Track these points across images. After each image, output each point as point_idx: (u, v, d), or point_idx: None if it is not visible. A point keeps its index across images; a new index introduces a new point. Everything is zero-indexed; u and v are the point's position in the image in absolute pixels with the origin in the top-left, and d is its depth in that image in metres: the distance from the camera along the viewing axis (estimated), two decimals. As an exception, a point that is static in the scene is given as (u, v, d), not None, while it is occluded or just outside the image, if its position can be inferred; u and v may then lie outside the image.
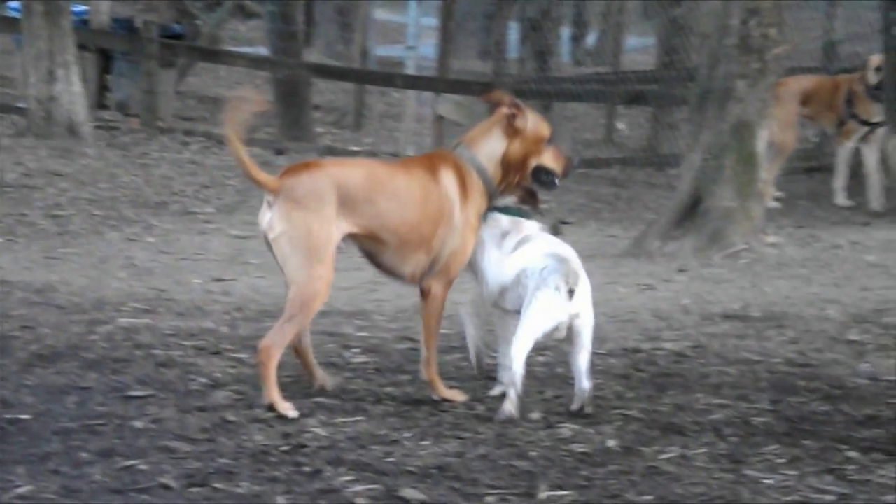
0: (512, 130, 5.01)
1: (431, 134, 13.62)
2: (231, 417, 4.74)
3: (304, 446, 4.42)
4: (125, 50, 14.06)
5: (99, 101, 14.22)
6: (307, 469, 4.19)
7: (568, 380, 5.37)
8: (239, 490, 3.98)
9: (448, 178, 4.96)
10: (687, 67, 12.41)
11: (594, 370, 5.48)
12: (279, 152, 13.00)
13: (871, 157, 10.49)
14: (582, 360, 4.86)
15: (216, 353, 5.72)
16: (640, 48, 18.64)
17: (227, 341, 5.98)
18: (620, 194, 11.77)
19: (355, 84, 15.20)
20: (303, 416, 4.76)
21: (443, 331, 6.19)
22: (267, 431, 4.58)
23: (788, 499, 3.98)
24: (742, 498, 3.98)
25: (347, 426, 4.66)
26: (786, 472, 4.24)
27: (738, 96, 8.80)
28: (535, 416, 4.84)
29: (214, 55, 15.32)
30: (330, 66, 16.10)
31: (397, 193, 4.89)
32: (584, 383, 4.86)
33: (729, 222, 8.80)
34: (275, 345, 4.80)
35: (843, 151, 10.60)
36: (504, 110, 5.03)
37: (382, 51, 17.61)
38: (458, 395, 5.02)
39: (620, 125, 15.27)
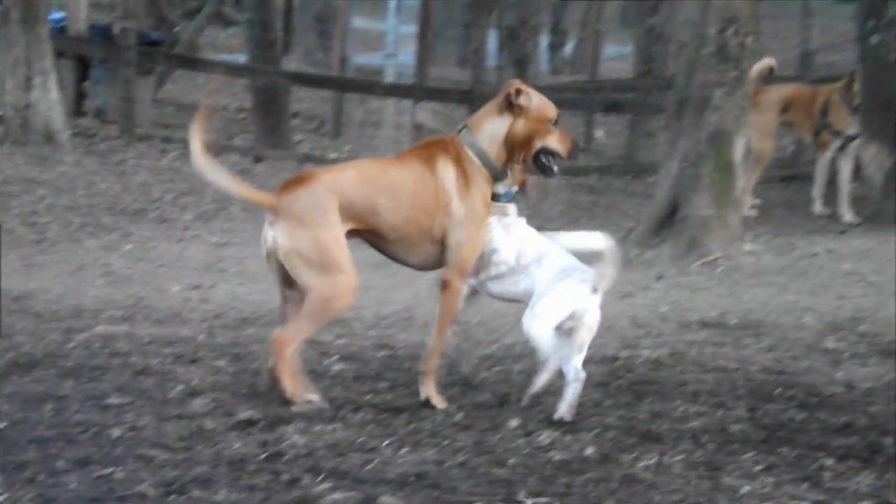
0: (514, 108, 5.01)
1: (410, 141, 13.63)
2: (209, 425, 4.73)
3: (283, 454, 4.41)
4: (103, 57, 14.02)
5: (76, 108, 14.18)
6: (285, 477, 4.18)
7: (546, 388, 5.38)
8: (217, 498, 3.97)
9: (445, 169, 4.97)
10: (664, 76, 12.47)
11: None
12: (257, 160, 12.98)
13: (845, 169, 10.52)
14: (577, 361, 4.89)
15: (194, 361, 5.71)
16: (617, 57, 18.71)
17: (205, 349, 5.97)
18: (598, 202, 11.81)
19: (334, 92, 15.21)
20: (280, 423, 4.75)
21: (419, 339, 6.21)
22: (245, 439, 4.57)
23: (765, 506, 4.00)
24: (719, 505, 3.99)
25: (326, 434, 4.66)
26: (763, 479, 4.26)
27: (715, 105, 8.85)
28: (514, 423, 4.84)
29: (192, 63, 15.29)
30: (309, 74, 16.10)
31: (391, 189, 4.92)
32: (571, 388, 4.88)
33: (706, 230, 8.84)
34: (288, 338, 4.82)
35: (821, 161, 10.63)
36: (509, 89, 5.03)
37: (361, 59, 17.63)
38: (440, 403, 5.02)
39: (598, 133, 15.31)
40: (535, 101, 5.06)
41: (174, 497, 3.97)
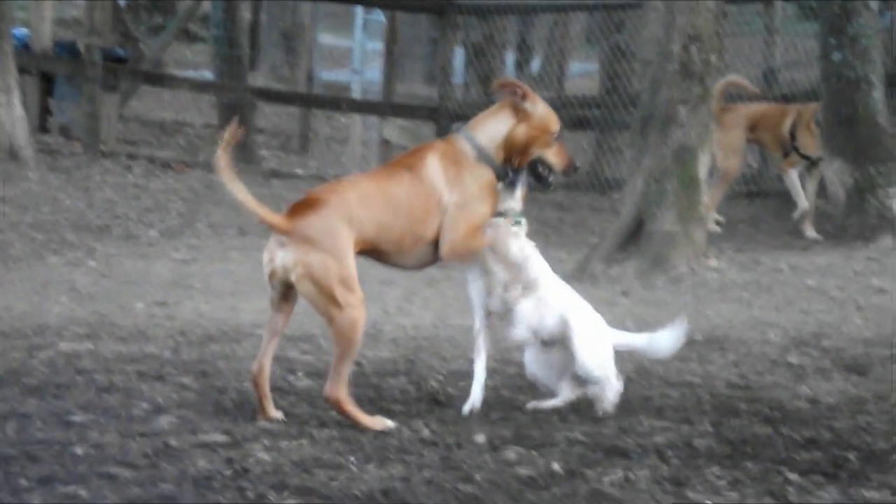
0: (519, 112, 5.04)
1: (377, 158, 13.64)
2: (174, 443, 4.70)
3: (248, 471, 4.39)
4: (67, 73, 13.95)
5: (41, 124, 14.09)
6: (251, 494, 4.17)
7: (513, 403, 5.39)
8: (181, 516, 3.95)
9: (432, 167, 5.01)
10: (629, 93, 12.54)
11: (537, 394, 5.50)
12: (223, 176, 12.94)
13: (810, 187, 10.60)
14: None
15: (159, 378, 5.68)
16: (583, 74, 18.80)
17: (170, 366, 5.94)
18: (565, 218, 11.84)
19: (300, 108, 15.20)
20: (246, 440, 4.74)
21: (386, 355, 6.21)
22: (210, 457, 4.55)
23: (730, 520, 4.02)
24: (684, 520, 4.01)
25: (292, 451, 4.64)
26: (727, 494, 4.28)
27: (679, 122, 8.90)
28: (480, 439, 4.85)
29: (158, 79, 15.24)
30: (275, 90, 16.08)
31: (389, 204, 4.98)
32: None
33: (671, 246, 8.88)
34: (338, 388, 4.92)
35: (788, 179, 10.63)
36: (511, 96, 5.06)
37: (328, 75, 17.63)
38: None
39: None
40: (540, 110, 5.11)
41: (138, 515, 3.94)
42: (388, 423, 4.94)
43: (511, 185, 5.15)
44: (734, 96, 11.25)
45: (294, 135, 15.54)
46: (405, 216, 4.99)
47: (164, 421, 4.97)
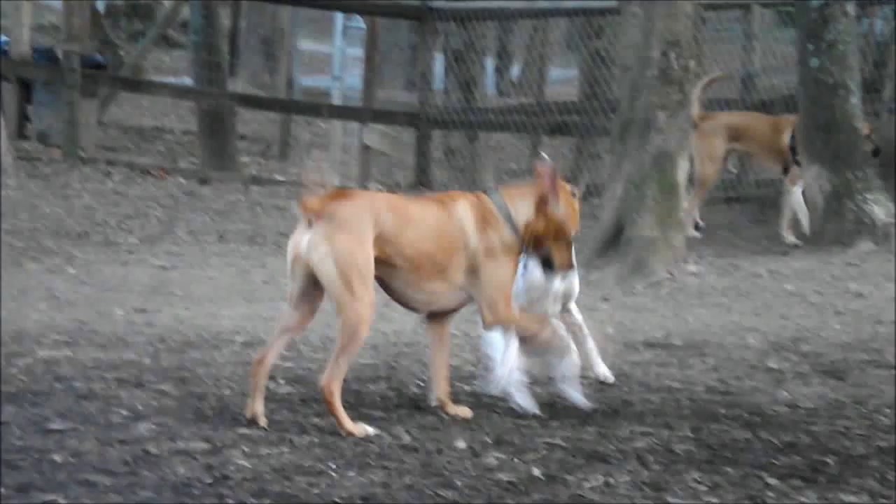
0: (545, 206, 5.22)
1: (358, 164, 13.63)
2: (153, 450, 4.68)
3: (228, 478, 4.38)
4: (46, 80, 13.89)
5: (19, 131, 14.02)
6: (230, 501, 4.16)
7: (494, 408, 5.40)
8: (161, 523, 3.93)
9: (464, 211, 5.18)
10: (609, 99, 12.57)
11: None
12: (203, 182, 12.92)
13: (797, 193, 10.54)
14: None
15: (138, 385, 5.66)
16: (563, 80, 18.84)
17: (149, 373, 5.92)
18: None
19: (281, 114, 15.17)
20: (226, 447, 4.73)
21: (367, 361, 6.21)
22: (190, 464, 4.53)
23: (709, 525, 4.03)
24: (664, 524, 4.02)
25: (272, 457, 4.63)
26: (707, 498, 4.29)
27: (658, 127, 8.93)
28: (461, 445, 4.85)
29: (137, 85, 15.20)
30: (255, 96, 16.05)
31: (414, 221, 5.11)
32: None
33: (651, 251, 8.91)
34: (334, 379, 4.93)
35: (793, 196, 10.47)
36: (544, 188, 5.23)
37: (308, 81, 17.60)
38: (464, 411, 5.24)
39: (544, 155, 15.37)
40: (562, 211, 5.27)
41: (118, 522, 3.93)
42: (369, 430, 4.94)
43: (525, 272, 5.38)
44: (716, 104, 11.28)
45: (274, 141, 15.52)
46: (428, 239, 5.10)
47: (144, 428, 4.96)
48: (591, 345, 5.76)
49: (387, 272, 5.11)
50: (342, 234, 4.92)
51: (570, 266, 5.40)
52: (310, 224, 4.97)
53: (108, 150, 14.28)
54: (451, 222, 5.16)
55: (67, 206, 11.44)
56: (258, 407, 5.05)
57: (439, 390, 5.28)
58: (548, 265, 5.29)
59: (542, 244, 5.25)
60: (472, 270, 5.17)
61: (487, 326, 5.18)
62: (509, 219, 5.22)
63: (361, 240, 4.95)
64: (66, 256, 9.54)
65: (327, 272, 4.92)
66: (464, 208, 5.20)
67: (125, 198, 11.98)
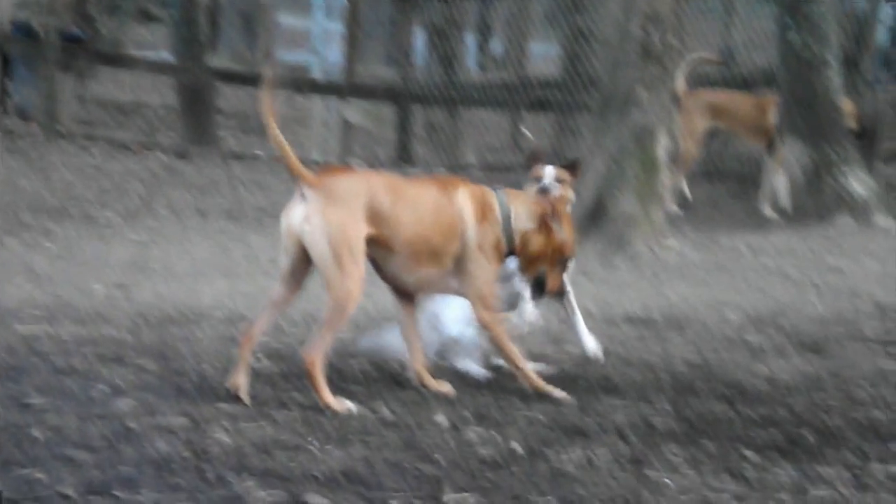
0: (545, 228, 5.21)
1: (338, 140, 13.59)
2: (133, 425, 4.68)
3: (208, 453, 4.38)
4: (25, 55, 13.80)
5: (-3, 105, 13.94)
6: (210, 476, 4.16)
7: (475, 384, 5.41)
8: (140, 498, 3.93)
9: (465, 200, 5.15)
10: (590, 75, 12.56)
11: (501, 374, 5.53)
12: (182, 157, 12.87)
13: (781, 172, 10.57)
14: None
15: (118, 361, 5.65)
16: (544, 55, 18.82)
17: (129, 348, 5.91)
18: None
19: (261, 90, 15.10)
20: (206, 423, 4.73)
21: (349, 336, 6.21)
22: (170, 439, 4.53)
23: (687, 498, 4.05)
24: (643, 498, 4.04)
25: (252, 432, 4.63)
26: (685, 471, 4.31)
27: (639, 103, 8.94)
28: (441, 420, 4.86)
29: (116, 60, 15.11)
30: (234, 71, 15.98)
31: (412, 202, 5.08)
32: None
33: (631, 227, 8.93)
34: (317, 351, 4.94)
35: (780, 178, 10.51)
36: (549, 208, 5.23)
37: (288, 56, 17.54)
38: (560, 393, 5.18)
39: (525, 131, 15.38)
40: (562, 236, 5.25)
41: (97, 497, 3.93)
42: (350, 406, 4.95)
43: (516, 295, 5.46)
44: (696, 80, 11.27)
45: (253, 116, 15.45)
46: (425, 221, 5.07)
47: (124, 403, 4.95)
48: (580, 321, 5.79)
49: (380, 253, 5.09)
50: (335, 210, 4.92)
51: (561, 292, 5.46)
52: (304, 197, 4.97)
53: (86, 125, 14.21)
54: (450, 208, 5.13)
55: (46, 181, 11.39)
56: (241, 379, 5.05)
57: (415, 363, 5.29)
58: (538, 287, 5.30)
59: (538, 266, 5.25)
60: (462, 260, 5.15)
61: (481, 322, 5.18)
62: (508, 220, 5.19)
63: (354, 216, 4.94)
64: (45, 232, 9.50)
65: (318, 246, 4.92)
66: (465, 196, 5.17)
67: (104, 173, 11.94)
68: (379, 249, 5.07)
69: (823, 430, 4.81)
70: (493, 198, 5.22)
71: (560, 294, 5.51)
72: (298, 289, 5.07)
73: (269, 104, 5.03)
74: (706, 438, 4.69)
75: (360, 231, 4.96)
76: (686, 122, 10.75)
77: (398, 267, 5.13)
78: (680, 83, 10.58)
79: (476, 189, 5.24)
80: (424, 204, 5.11)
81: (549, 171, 5.74)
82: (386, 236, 5.04)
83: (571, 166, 5.89)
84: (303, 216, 4.94)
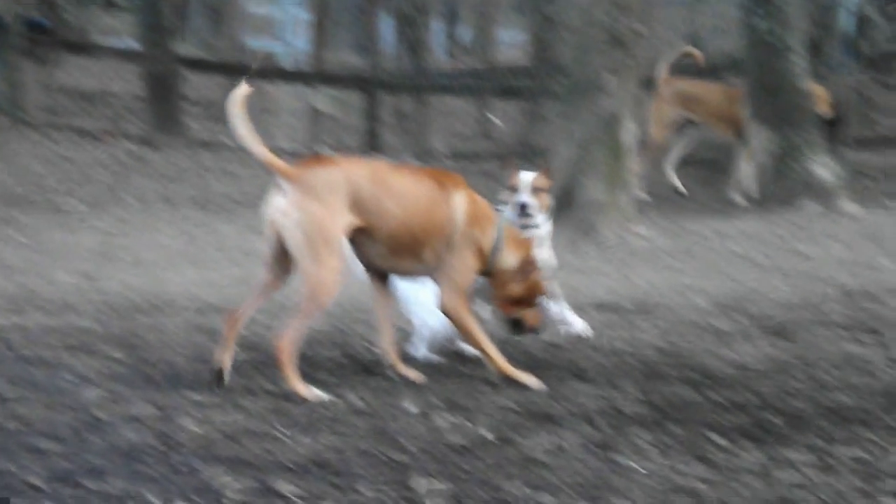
0: (525, 274, 5.25)
1: (307, 128, 13.56)
2: (100, 415, 4.66)
3: (179, 444, 4.37)
4: (-11, 42, 13.66)
5: (-38, 94, 13.82)
6: (179, 465, 4.15)
7: (444, 371, 5.42)
8: (108, 488, 3.92)
9: (460, 199, 5.15)
10: (558, 62, 12.58)
11: (470, 363, 5.54)
12: (150, 146, 12.80)
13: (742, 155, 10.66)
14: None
15: (86, 351, 5.62)
16: (512, 43, 18.83)
17: (97, 339, 5.88)
18: (494, 188, 11.87)
19: (228, 77, 15.04)
20: (176, 413, 4.71)
21: (319, 327, 6.20)
22: (139, 429, 4.52)
23: (655, 482, 4.07)
24: (611, 483, 4.06)
25: (223, 422, 4.63)
26: (653, 456, 4.34)
27: (607, 90, 8.96)
28: (412, 408, 4.87)
29: (82, 48, 15.01)
30: (202, 59, 15.90)
31: (400, 195, 5.07)
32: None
33: (600, 214, 8.96)
34: (289, 339, 4.94)
35: (748, 168, 10.58)
36: (529, 256, 5.27)
37: (256, 44, 17.46)
38: (532, 378, 5.20)
39: (494, 119, 15.39)
40: (532, 280, 5.28)
41: (64, 487, 3.91)
42: (321, 395, 4.95)
43: None
44: (671, 68, 11.30)
45: (220, 104, 15.39)
46: (412, 215, 5.06)
47: (91, 393, 4.93)
48: (564, 302, 5.85)
49: (363, 240, 5.09)
50: (312, 202, 4.91)
51: (543, 327, 5.49)
52: (281, 190, 4.96)
53: (52, 113, 14.11)
54: (444, 206, 5.13)
55: (12, 170, 11.30)
56: (226, 359, 5.06)
57: (384, 343, 5.28)
58: (516, 326, 5.33)
59: (515, 309, 5.29)
60: (445, 253, 5.14)
61: (446, 307, 5.18)
62: (496, 249, 5.20)
63: (332, 208, 4.93)
64: (11, 221, 9.44)
65: (294, 239, 4.92)
66: (462, 199, 5.16)
67: (70, 162, 11.86)
68: (362, 237, 5.07)
69: (790, 414, 4.85)
70: (495, 217, 5.25)
71: (542, 329, 5.54)
72: (286, 275, 5.07)
73: (243, 102, 4.99)
74: (674, 423, 4.72)
75: (339, 223, 4.95)
76: (657, 109, 10.80)
77: (378, 256, 5.14)
78: (661, 70, 10.64)
79: (479, 199, 5.24)
80: (415, 198, 5.09)
81: (524, 181, 5.71)
82: (370, 226, 5.04)
83: (546, 170, 5.93)
84: (280, 209, 4.94)
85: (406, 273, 5.24)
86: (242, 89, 5.06)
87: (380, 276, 5.28)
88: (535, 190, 5.72)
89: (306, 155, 4.98)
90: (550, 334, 6.18)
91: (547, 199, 5.75)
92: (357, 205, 4.99)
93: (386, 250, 5.10)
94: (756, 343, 6.12)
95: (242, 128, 4.97)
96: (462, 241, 5.14)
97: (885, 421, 4.74)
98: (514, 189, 5.72)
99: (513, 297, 5.27)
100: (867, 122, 12.88)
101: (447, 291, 5.16)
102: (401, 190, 5.08)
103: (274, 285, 5.09)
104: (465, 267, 5.16)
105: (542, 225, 5.77)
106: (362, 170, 5.07)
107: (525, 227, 5.60)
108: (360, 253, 5.16)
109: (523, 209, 5.61)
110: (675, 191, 10.78)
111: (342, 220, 4.96)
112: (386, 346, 5.30)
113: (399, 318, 5.52)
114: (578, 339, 5.79)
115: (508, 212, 5.67)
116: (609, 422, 4.74)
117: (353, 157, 5.28)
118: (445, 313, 5.18)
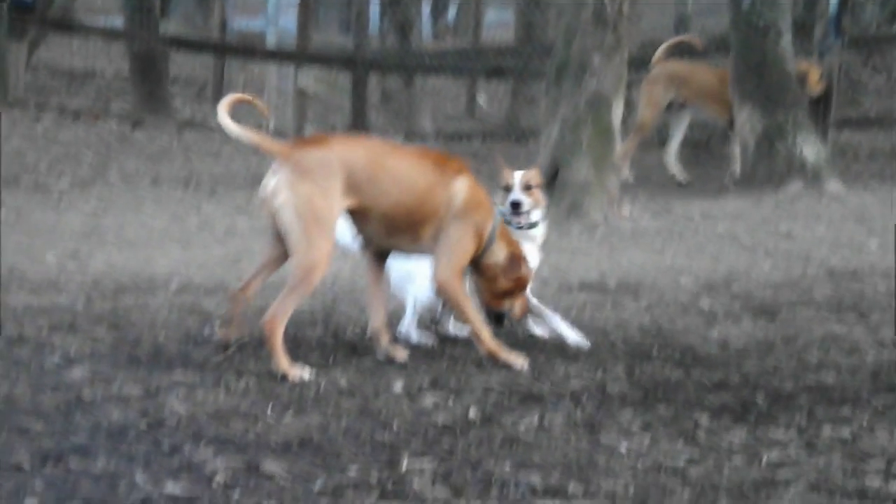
0: (514, 268, 5.24)
1: (293, 108, 13.52)
2: (87, 395, 4.66)
3: (164, 422, 4.37)
4: (-27, 21, 13.58)
5: (-54, 74, 13.74)
6: (166, 445, 4.15)
7: (430, 353, 5.43)
8: (95, 468, 3.92)
9: (461, 187, 5.14)
10: (544, 42, 12.57)
11: (456, 343, 5.55)
12: (135, 126, 12.76)
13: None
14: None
15: (71, 330, 5.61)
16: (498, 23, 18.79)
17: (82, 317, 5.87)
18: (481, 168, 11.86)
19: (215, 57, 14.99)
20: (161, 392, 4.71)
21: (305, 306, 6.20)
22: (124, 409, 4.51)
23: (641, 462, 4.09)
24: (597, 463, 4.07)
25: (208, 401, 4.63)
26: (640, 436, 4.35)
27: (593, 70, 8.95)
28: (398, 387, 4.87)
29: (67, 27, 14.93)
30: (188, 39, 15.84)
31: (397, 176, 5.06)
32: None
33: (586, 194, 8.97)
34: (278, 318, 4.95)
35: (737, 147, 10.61)
36: (517, 253, 5.28)
37: (242, 23, 17.40)
38: (519, 359, 5.20)
39: (480, 99, 15.37)
40: (523, 273, 5.29)
41: (50, 468, 3.91)
42: (306, 373, 4.95)
43: None
44: (649, 46, 11.30)
45: (208, 84, 15.34)
46: (407, 196, 5.05)
47: (77, 373, 4.92)
48: (553, 318, 5.80)
49: (360, 219, 5.09)
50: (304, 182, 4.91)
51: (526, 318, 5.51)
52: (275, 170, 4.97)
53: (37, 93, 14.04)
54: (442, 190, 5.11)
55: (-4, 150, 11.25)
56: (231, 332, 5.13)
57: (375, 321, 5.28)
58: (499, 320, 5.34)
59: (503, 303, 5.29)
60: (442, 230, 5.13)
61: (439, 281, 5.17)
62: (493, 235, 5.20)
63: (324, 188, 4.93)
64: (-4, 201, 9.40)
65: (286, 219, 4.94)
66: (463, 185, 5.14)
67: (56, 142, 11.81)
68: (360, 216, 5.09)
69: (775, 394, 4.87)
70: (493, 209, 5.25)
71: (526, 315, 5.54)
72: (287, 253, 5.07)
73: (230, 105, 5.04)
74: (660, 403, 4.74)
75: (331, 204, 4.95)
76: (649, 91, 10.79)
77: (375, 233, 5.14)
78: (659, 55, 10.64)
79: (480, 187, 5.22)
80: (412, 178, 5.08)
81: (517, 180, 5.66)
82: (365, 206, 5.04)
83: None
84: (272, 189, 4.96)
85: (405, 251, 5.25)
86: (235, 97, 5.08)
87: (377, 255, 5.28)
88: (528, 188, 5.66)
89: (296, 135, 4.97)
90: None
91: (540, 197, 5.69)
92: (351, 185, 4.99)
93: (383, 229, 5.11)
94: (741, 323, 6.14)
95: (233, 127, 4.99)
96: (464, 222, 5.14)
97: (870, 401, 4.77)
98: (507, 189, 5.66)
99: (501, 290, 5.27)
100: (853, 103, 12.91)
101: (443, 266, 5.15)
102: (397, 171, 5.07)
103: (279, 260, 5.14)
104: (465, 246, 5.15)
105: (538, 224, 5.68)
106: (358, 149, 5.06)
107: (519, 226, 5.56)
108: (359, 231, 5.16)
109: (516, 207, 5.57)
110: (676, 180, 10.74)
111: (335, 201, 4.96)
112: (377, 326, 5.30)
113: (390, 300, 5.52)
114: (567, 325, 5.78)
115: (501, 210, 5.62)
116: (594, 402, 4.76)
117: (349, 136, 5.27)
118: (440, 287, 5.17)
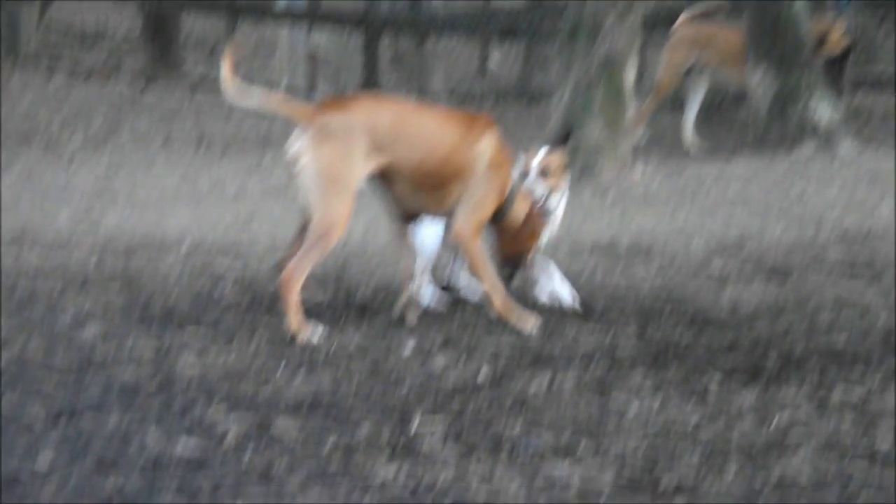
0: (533, 223, 5.33)
1: (305, 68, 13.49)
2: (99, 354, 4.68)
3: (176, 380, 4.39)
4: (-16, -20, 13.56)
5: (-43, 32, 13.73)
6: (179, 403, 4.17)
7: (441, 314, 5.44)
8: (107, 427, 3.94)
9: (487, 146, 5.16)
10: (557, 2, 12.48)
11: (466, 305, 5.55)
12: (147, 85, 12.75)
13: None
14: None
15: (84, 289, 5.63)
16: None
17: (94, 276, 5.89)
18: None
19: (226, 17, 14.94)
20: (173, 351, 4.73)
21: (317, 268, 6.20)
22: (137, 368, 4.54)
23: (651, 423, 4.10)
24: (607, 423, 4.08)
25: (219, 360, 4.65)
26: (650, 397, 4.36)
27: (606, 32, 8.89)
28: (409, 348, 4.89)
29: (78, -15, 14.87)
30: (199, -2, 15.76)
31: (422, 137, 5.08)
32: None
33: (598, 156, 8.93)
34: (294, 276, 4.95)
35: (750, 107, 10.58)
36: (535, 209, 5.37)
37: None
38: (530, 319, 5.21)
39: (493, 59, 15.31)
40: (537, 228, 5.39)
41: (63, 426, 3.93)
42: (319, 330, 4.95)
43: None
44: (661, 8, 11.20)
45: (220, 44, 15.29)
46: (433, 156, 5.06)
47: (89, 332, 4.94)
48: (557, 273, 5.82)
49: (388, 179, 5.09)
50: (324, 145, 4.92)
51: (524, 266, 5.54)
52: (298, 134, 4.98)
53: (49, 51, 14.02)
54: (468, 150, 5.12)
55: (8, 108, 11.25)
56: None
57: (404, 279, 5.28)
58: (510, 271, 5.37)
59: (520, 255, 5.34)
60: (467, 188, 5.15)
61: (459, 235, 5.17)
62: (512, 196, 5.24)
63: (346, 151, 4.93)
64: (8, 159, 9.41)
65: (306, 182, 4.95)
66: (489, 142, 5.16)
67: (67, 100, 11.81)
68: (385, 178, 5.09)
69: (786, 356, 4.87)
70: (513, 167, 5.30)
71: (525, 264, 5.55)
72: None
73: (230, 61, 4.99)
74: (671, 365, 4.75)
75: (352, 167, 4.96)
76: (671, 52, 10.71)
77: (404, 193, 5.14)
78: (683, 18, 10.55)
79: (506, 146, 5.24)
80: (438, 137, 5.09)
81: (534, 166, 5.57)
82: (391, 166, 5.04)
83: (564, 138, 5.86)
84: (297, 151, 4.97)
85: (433, 211, 5.23)
86: (229, 64, 5.01)
87: (405, 217, 5.26)
88: (546, 172, 5.57)
89: (308, 95, 4.96)
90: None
91: (560, 182, 5.60)
92: (376, 146, 4.99)
93: (410, 189, 5.11)
94: (753, 285, 6.13)
95: (250, 96, 4.96)
96: (489, 179, 5.16)
97: (881, 363, 4.77)
98: (524, 175, 5.57)
99: (518, 249, 5.33)
100: (867, 64, 12.82)
101: (464, 219, 5.16)
102: (423, 130, 5.07)
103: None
104: (487, 202, 5.18)
105: (557, 207, 5.62)
106: (382, 111, 5.07)
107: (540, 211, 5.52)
108: (389, 190, 5.16)
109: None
110: (685, 147, 10.66)
111: (356, 164, 4.96)
112: (404, 283, 5.30)
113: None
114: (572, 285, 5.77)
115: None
116: (605, 363, 4.77)
117: (374, 97, 5.25)
118: (458, 240, 5.18)
